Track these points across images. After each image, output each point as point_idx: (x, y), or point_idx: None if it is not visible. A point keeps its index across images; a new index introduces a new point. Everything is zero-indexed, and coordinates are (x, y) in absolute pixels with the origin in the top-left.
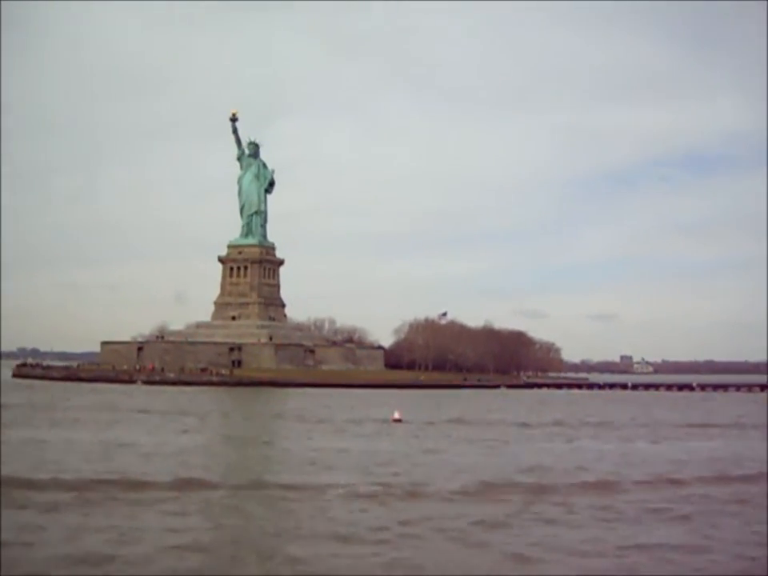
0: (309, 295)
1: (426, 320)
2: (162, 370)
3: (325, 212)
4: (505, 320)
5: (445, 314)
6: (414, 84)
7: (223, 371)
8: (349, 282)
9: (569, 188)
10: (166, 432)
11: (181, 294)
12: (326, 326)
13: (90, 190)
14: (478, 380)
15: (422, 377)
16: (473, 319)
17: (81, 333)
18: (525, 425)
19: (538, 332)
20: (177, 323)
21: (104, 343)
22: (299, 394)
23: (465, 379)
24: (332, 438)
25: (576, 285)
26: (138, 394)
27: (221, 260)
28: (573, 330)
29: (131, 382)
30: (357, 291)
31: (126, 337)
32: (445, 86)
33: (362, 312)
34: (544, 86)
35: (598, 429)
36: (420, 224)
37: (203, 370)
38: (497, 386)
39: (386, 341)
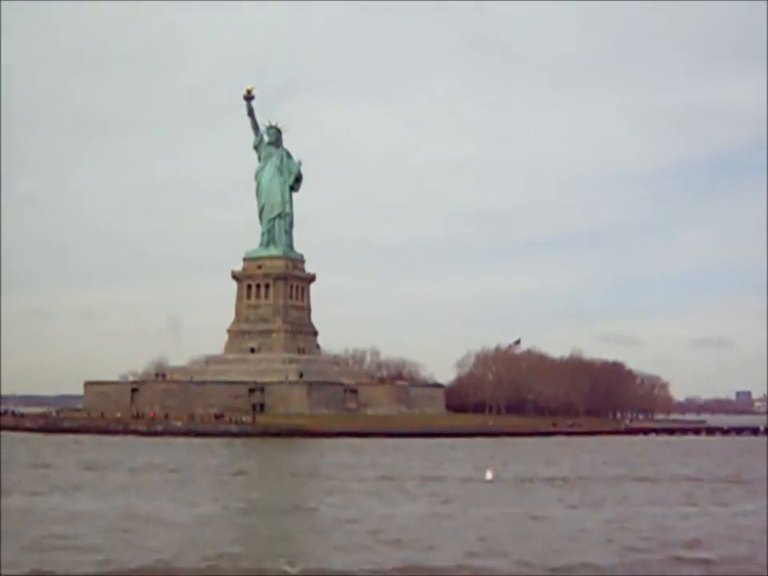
0: (341, 319)
1: (497, 350)
2: (166, 417)
3: (354, 214)
4: (589, 347)
5: (518, 342)
6: (463, 60)
7: (243, 418)
8: (390, 301)
9: (659, 181)
10: (184, 499)
11: (176, 320)
12: (368, 358)
13: (60, 194)
14: (571, 425)
15: (491, 422)
16: (551, 348)
17: (54, 372)
18: (644, 479)
19: (630, 362)
20: (177, 358)
21: (89, 384)
22: (341, 446)
23: (553, 425)
24: (422, 503)
25: (675, 302)
26: (140, 448)
27: (235, 276)
28: (673, 360)
29: (128, 432)
30: (401, 313)
31: (112, 375)
32: (501, 61)
33: (409, 340)
34: (624, 60)
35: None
36: (476, 228)
37: (218, 416)
38: (594, 433)
39: (443, 376)
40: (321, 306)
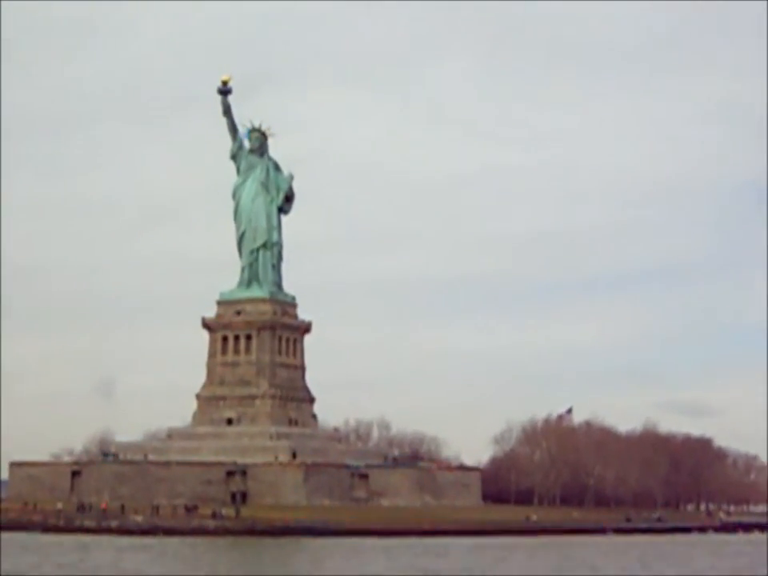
0: (339, 381)
1: (548, 422)
2: (123, 509)
3: (347, 242)
4: (659, 418)
5: (569, 412)
6: (485, 39)
7: (223, 511)
8: (401, 357)
9: (737, 196)
10: None
11: (114, 382)
12: (375, 433)
13: None
14: (657, 519)
15: (534, 516)
16: (608, 419)
17: None
18: None
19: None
20: (126, 431)
21: (15, 466)
22: (351, 548)
23: (628, 519)
24: None
25: (760, 359)
26: (92, 549)
27: (207, 325)
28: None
29: (72, 529)
30: (416, 373)
31: (40, 455)
32: (533, 44)
33: (427, 408)
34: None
35: None
36: (502, 260)
37: (189, 509)
38: (681, 530)
39: (472, 456)
40: (316, 364)
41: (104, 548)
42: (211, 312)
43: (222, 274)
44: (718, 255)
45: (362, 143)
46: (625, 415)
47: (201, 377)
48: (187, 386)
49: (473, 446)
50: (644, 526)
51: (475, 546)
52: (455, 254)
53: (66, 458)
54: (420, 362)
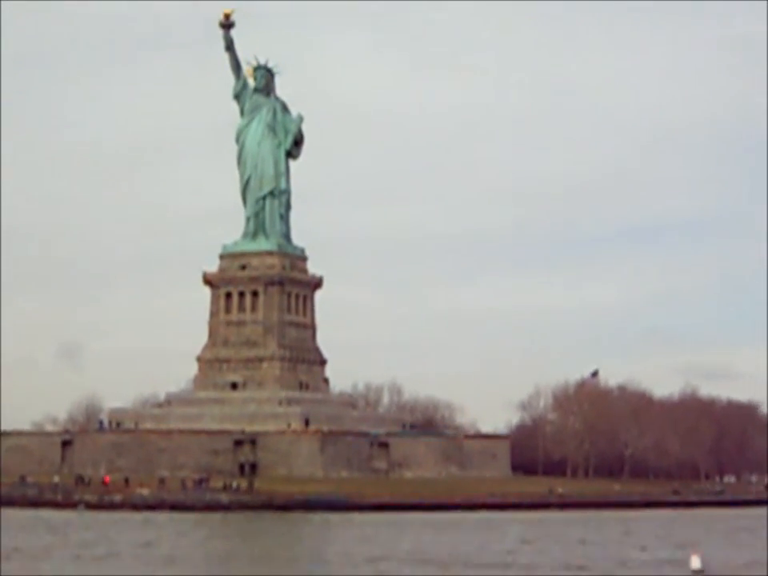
0: (346, 342)
1: (580, 386)
2: (126, 483)
3: (354, 194)
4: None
5: (595, 375)
6: None
7: (234, 484)
8: (413, 316)
9: None
10: None
11: (72, 345)
12: (385, 397)
13: None
14: (720, 492)
15: (560, 488)
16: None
17: None
18: None
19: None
20: (115, 397)
21: (2, 435)
22: (383, 523)
23: (675, 491)
24: None
25: None
26: (105, 525)
27: (208, 281)
28: None
29: (70, 504)
30: (428, 334)
31: (21, 424)
32: None
33: (437, 371)
34: None
35: None
36: (532, 213)
37: (200, 481)
38: (734, 503)
39: (489, 423)
40: (325, 324)
41: (120, 524)
42: (213, 266)
43: (224, 224)
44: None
45: (369, 86)
46: (653, 379)
47: (201, 338)
48: (181, 348)
49: (489, 412)
50: (702, 498)
51: (510, 520)
52: (470, 207)
53: (50, 427)
54: (433, 322)
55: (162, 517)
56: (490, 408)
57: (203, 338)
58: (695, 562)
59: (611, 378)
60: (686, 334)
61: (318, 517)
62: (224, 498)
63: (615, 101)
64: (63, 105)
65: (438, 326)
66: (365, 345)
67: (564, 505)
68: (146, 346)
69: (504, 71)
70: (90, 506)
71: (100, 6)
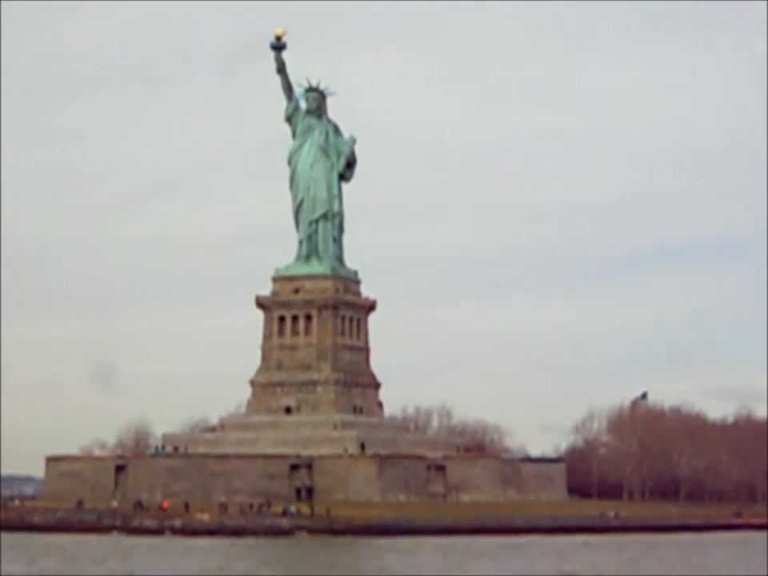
0: (396, 365)
1: (631, 407)
2: (186, 508)
3: (403, 213)
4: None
5: (644, 397)
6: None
7: (292, 508)
8: (458, 338)
9: None
10: None
11: (106, 368)
12: (435, 420)
13: None
14: None
15: (612, 512)
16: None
17: None
18: None
19: None
20: (160, 422)
21: (52, 461)
22: (448, 548)
23: (738, 514)
24: None
25: None
26: (174, 552)
27: (261, 304)
28: None
29: (128, 529)
30: (473, 356)
31: (68, 449)
32: None
33: (483, 394)
34: None
35: None
36: (565, 234)
37: (259, 506)
38: None
39: (537, 447)
40: (377, 346)
41: (187, 551)
42: (265, 290)
43: (278, 247)
44: None
45: (411, 108)
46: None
47: (254, 361)
48: (230, 372)
49: (535, 435)
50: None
51: (571, 544)
52: (517, 226)
53: (98, 452)
54: (476, 343)
55: (224, 542)
56: (530, 430)
57: (255, 361)
58: None
59: (658, 399)
60: (724, 354)
61: (383, 542)
62: (284, 522)
63: (644, 120)
64: (115, 125)
65: (480, 345)
66: (410, 367)
67: (626, 528)
68: (191, 369)
69: (532, 93)
70: (149, 532)
71: (152, 27)
